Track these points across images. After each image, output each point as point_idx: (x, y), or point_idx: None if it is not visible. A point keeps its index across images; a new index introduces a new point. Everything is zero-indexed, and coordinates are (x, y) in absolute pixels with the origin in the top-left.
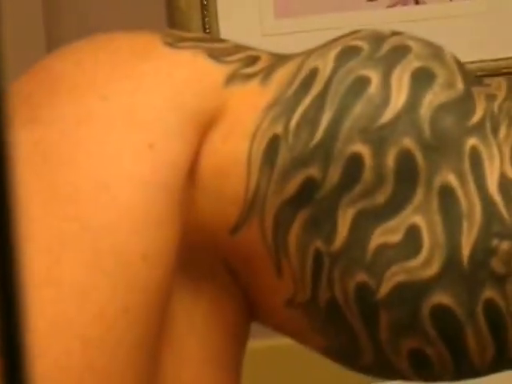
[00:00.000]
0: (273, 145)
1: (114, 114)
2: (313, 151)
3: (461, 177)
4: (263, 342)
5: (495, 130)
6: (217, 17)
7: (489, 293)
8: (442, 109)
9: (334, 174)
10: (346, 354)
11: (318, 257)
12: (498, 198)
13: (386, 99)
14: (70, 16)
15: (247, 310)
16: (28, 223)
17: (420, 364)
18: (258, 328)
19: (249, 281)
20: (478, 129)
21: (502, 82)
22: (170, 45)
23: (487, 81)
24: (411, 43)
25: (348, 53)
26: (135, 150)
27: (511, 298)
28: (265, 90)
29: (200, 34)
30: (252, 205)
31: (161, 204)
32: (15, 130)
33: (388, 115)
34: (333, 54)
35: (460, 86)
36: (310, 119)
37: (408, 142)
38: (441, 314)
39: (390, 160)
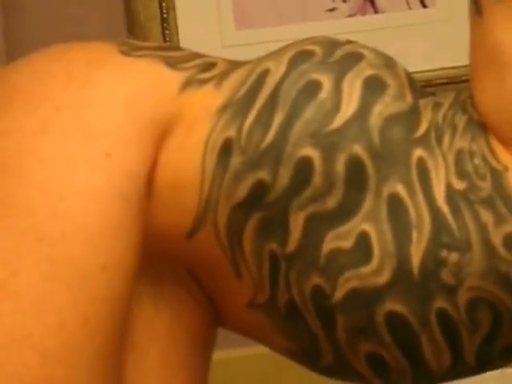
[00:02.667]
0: (226, 148)
1: (69, 125)
2: (263, 154)
3: (409, 187)
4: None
5: (439, 140)
6: (177, 29)
7: (440, 303)
8: (391, 119)
9: (284, 178)
10: (306, 355)
11: (273, 259)
12: (445, 208)
13: (336, 105)
14: (29, 30)
15: (212, 315)
16: None
17: (378, 367)
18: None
19: (210, 284)
20: (424, 140)
21: (451, 92)
22: (126, 53)
23: (440, 91)
24: (364, 51)
25: (301, 56)
26: (91, 160)
27: (462, 308)
28: (218, 93)
29: (157, 43)
30: (205, 210)
31: (118, 214)
32: None
33: (338, 121)
34: (286, 57)
35: (409, 98)
36: (262, 122)
37: (357, 149)
38: (395, 321)
39: (340, 165)
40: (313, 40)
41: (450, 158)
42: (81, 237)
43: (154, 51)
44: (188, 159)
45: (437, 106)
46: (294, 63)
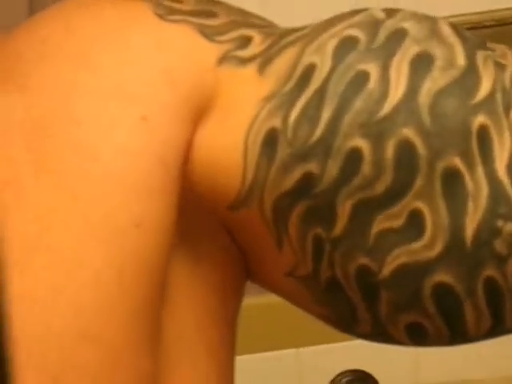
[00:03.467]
0: (271, 138)
1: (105, 86)
2: (312, 147)
3: (467, 158)
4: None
5: (507, 108)
6: None
7: (489, 272)
8: (442, 93)
9: (333, 169)
10: (343, 323)
11: (318, 242)
12: (505, 179)
13: (384, 93)
14: None
15: (243, 268)
16: (19, 193)
17: (417, 335)
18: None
19: (247, 248)
20: (487, 103)
21: (506, 50)
22: (161, 17)
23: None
24: (406, 25)
25: (345, 46)
26: (127, 122)
27: (510, 276)
28: (262, 81)
29: (190, 5)
30: (248, 195)
31: (153, 175)
32: (6, 96)
33: (387, 108)
34: (330, 48)
35: (461, 61)
36: (310, 116)
37: (407, 132)
38: (441, 292)
39: (389, 151)
40: (353, 21)
41: None
42: (116, 196)
43: (189, 16)
44: (229, 138)
45: (499, 65)
46: (339, 55)
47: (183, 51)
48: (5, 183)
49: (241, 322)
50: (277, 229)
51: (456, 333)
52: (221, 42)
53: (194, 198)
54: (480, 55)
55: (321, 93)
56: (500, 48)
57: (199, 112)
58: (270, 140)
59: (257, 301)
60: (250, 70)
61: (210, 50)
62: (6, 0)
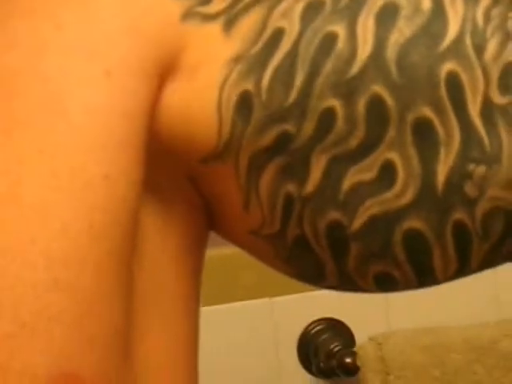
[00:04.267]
0: (244, 100)
1: (71, 43)
2: (288, 110)
3: (437, 106)
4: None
5: (480, 49)
6: None
7: (459, 215)
8: (408, 45)
9: (309, 128)
10: (308, 278)
11: (288, 200)
12: (478, 122)
13: (353, 52)
14: None
15: (208, 222)
16: None
17: (385, 284)
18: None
19: (213, 202)
20: (455, 48)
21: None
22: None
23: None
24: None
25: (311, 9)
26: (91, 77)
27: (479, 218)
28: (228, 40)
29: None
30: (225, 147)
31: (119, 129)
32: None
33: (355, 67)
34: (297, 12)
35: (426, 5)
36: (283, 80)
37: (376, 88)
38: (411, 238)
39: (361, 108)
40: None
41: (494, 72)
42: (83, 150)
43: None
44: (200, 100)
45: None
46: (306, 19)
47: (146, 7)
48: None
49: (214, 272)
50: (247, 186)
51: (424, 278)
52: None
53: (161, 150)
54: None
55: (291, 57)
56: None
57: (165, 67)
58: (244, 103)
59: (230, 251)
60: (215, 27)
61: (173, 6)
62: None
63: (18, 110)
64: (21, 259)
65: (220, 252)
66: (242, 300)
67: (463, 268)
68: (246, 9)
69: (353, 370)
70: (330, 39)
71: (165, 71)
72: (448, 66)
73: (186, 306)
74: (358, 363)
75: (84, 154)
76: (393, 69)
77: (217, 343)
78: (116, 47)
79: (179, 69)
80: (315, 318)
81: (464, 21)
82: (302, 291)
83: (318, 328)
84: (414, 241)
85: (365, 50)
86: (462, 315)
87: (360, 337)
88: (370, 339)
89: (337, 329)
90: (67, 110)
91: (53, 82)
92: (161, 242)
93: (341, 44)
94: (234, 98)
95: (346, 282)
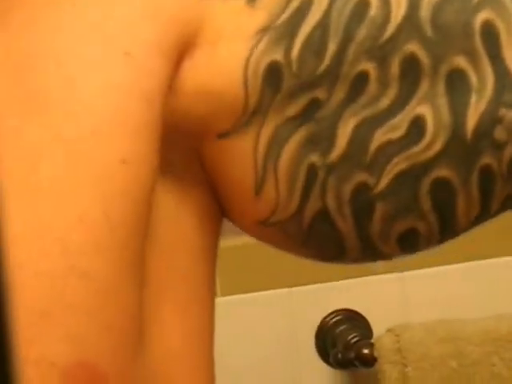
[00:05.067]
0: (273, 71)
1: (87, 24)
2: (320, 77)
3: (471, 55)
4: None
5: None
6: None
7: (486, 159)
8: (442, 1)
9: (340, 93)
10: (328, 257)
11: (311, 170)
12: None
13: (386, 16)
14: None
15: (220, 208)
16: (5, 133)
17: (408, 244)
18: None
19: (222, 190)
20: None
21: None
22: None
23: None
24: None
25: None
26: (109, 58)
27: (506, 160)
28: (253, 13)
29: None
30: (252, 116)
31: (138, 111)
32: None
33: (390, 30)
34: None
35: None
36: (314, 49)
37: (411, 47)
38: (438, 187)
39: (395, 67)
40: None
41: None
42: (99, 133)
43: None
44: (224, 71)
45: None
46: None
47: None
48: None
49: (233, 262)
50: (265, 164)
51: (446, 227)
52: None
53: (175, 128)
54: None
55: (322, 26)
56: None
57: (184, 45)
58: (273, 73)
59: (247, 240)
60: (239, 1)
61: None
62: None
63: (33, 94)
64: (37, 247)
65: (237, 242)
66: (260, 290)
67: (484, 212)
68: None
69: (370, 362)
70: (362, 7)
71: (184, 49)
72: (483, 16)
73: (200, 292)
74: (376, 354)
75: (100, 139)
76: (427, 27)
77: (235, 333)
78: (134, 28)
79: (199, 45)
80: (333, 308)
81: None
82: (320, 282)
83: (335, 319)
84: (440, 189)
85: (398, 13)
86: (479, 307)
87: (378, 328)
88: (388, 331)
89: (355, 320)
90: (83, 95)
91: (68, 65)
92: (174, 224)
93: (374, 10)
94: (263, 68)
95: (368, 252)
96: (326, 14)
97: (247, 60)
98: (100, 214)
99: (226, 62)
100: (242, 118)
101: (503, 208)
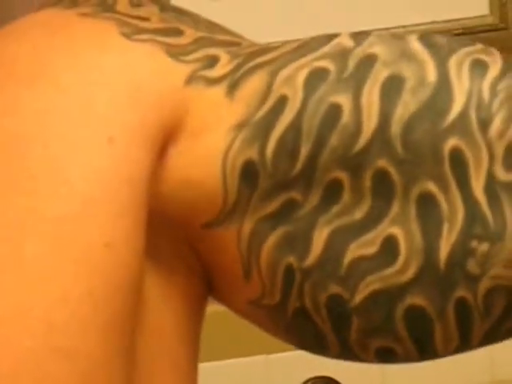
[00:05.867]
0: (249, 170)
1: (72, 107)
2: (293, 179)
3: (441, 182)
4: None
5: (485, 124)
6: None
7: (461, 292)
8: (412, 119)
9: (315, 197)
10: (310, 348)
11: (289, 272)
12: (482, 198)
13: (358, 126)
14: None
15: (208, 288)
16: None
17: (386, 357)
18: None
19: (213, 271)
20: (459, 124)
21: (491, 49)
22: (127, 36)
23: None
24: (376, 50)
25: (315, 78)
26: (94, 143)
27: (481, 296)
28: (232, 105)
29: (155, 23)
30: (229, 214)
31: (121, 196)
32: None
33: (362, 142)
34: (300, 80)
35: (432, 77)
36: (288, 150)
37: (382, 163)
38: (413, 315)
39: (367, 180)
40: (321, 52)
41: (499, 148)
42: (84, 217)
43: (155, 35)
44: (203, 167)
45: (478, 65)
46: (310, 87)
47: (150, 72)
48: None
49: (210, 328)
50: (248, 255)
51: (424, 353)
52: (187, 62)
53: (161, 214)
54: (453, 62)
55: (295, 128)
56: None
57: (168, 131)
58: (249, 172)
59: (225, 307)
60: (218, 91)
61: (177, 70)
62: None
63: (18, 175)
64: (21, 327)
65: (216, 308)
66: (237, 357)
67: (464, 344)
68: (250, 72)
69: None
70: (335, 111)
71: (168, 135)
72: (452, 142)
73: (187, 370)
74: None
75: (85, 222)
76: (398, 144)
77: None
78: (119, 113)
79: (182, 133)
80: (311, 375)
81: (469, 94)
82: (298, 348)
83: None
84: (415, 317)
85: (370, 125)
86: (456, 381)
87: None
88: None
89: None
90: (69, 177)
91: (54, 147)
92: (161, 307)
93: (346, 117)
94: (239, 166)
95: (348, 353)
96: (300, 115)
97: (225, 156)
98: (84, 295)
99: (206, 155)
100: (222, 211)
101: (486, 342)
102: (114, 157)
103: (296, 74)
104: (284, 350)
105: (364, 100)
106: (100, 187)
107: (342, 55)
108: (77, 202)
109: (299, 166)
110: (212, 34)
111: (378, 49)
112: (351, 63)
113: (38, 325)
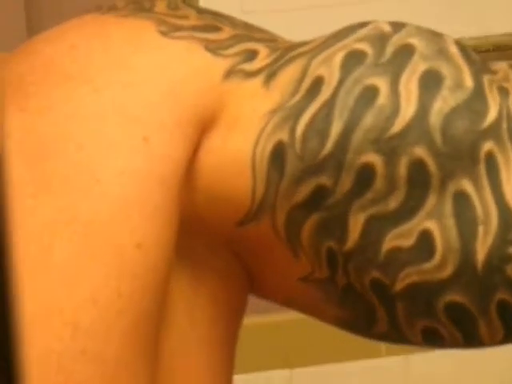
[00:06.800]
0: (279, 151)
1: (107, 108)
2: (323, 161)
3: (476, 182)
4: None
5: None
6: None
7: (502, 295)
8: (452, 114)
9: (346, 183)
10: (360, 323)
11: (331, 254)
12: None
13: (395, 109)
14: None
15: (248, 285)
16: (19, 213)
17: (432, 339)
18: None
19: (255, 260)
20: (494, 130)
21: (508, 72)
22: (165, 34)
23: (490, 65)
24: (414, 41)
25: (353, 59)
26: (128, 143)
27: None
28: (268, 93)
29: (193, 21)
30: (261, 206)
31: (156, 196)
32: (6, 117)
33: (399, 125)
34: (337, 60)
35: (469, 83)
36: (318, 129)
37: (419, 151)
38: (454, 309)
39: (402, 169)
40: (360, 35)
41: None
42: (116, 218)
43: (193, 32)
44: (235, 152)
45: (502, 89)
46: (347, 68)
47: (187, 69)
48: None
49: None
50: (290, 242)
51: (470, 342)
52: (226, 56)
53: (196, 215)
54: (485, 79)
55: (329, 105)
56: (502, 70)
57: (203, 128)
58: (278, 154)
59: (251, 321)
60: (256, 83)
61: (216, 65)
62: (4, 19)
63: (50, 176)
64: (48, 328)
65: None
66: (260, 370)
67: (509, 336)
68: (288, 62)
69: None
70: (371, 92)
71: (203, 131)
72: (488, 145)
73: (218, 372)
74: None
75: (117, 223)
76: (437, 135)
77: None
78: (155, 113)
79: (217, 126)
80: None
81: (501, 106)
82: (322, 363)
83: None
84: (457, 312)
85: (408, 110)
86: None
87: None
88: None
89: None
90: (102, 176)
91: (87, 147)
92: (190, 311)
93: (382, 99)
94: (269, 150)
95: (396, 332)
96: (334, 94)
97: (256, 143)
98: (112, 297)
99: (239, 146)
100: (251, 208)
101: None
102: (149, 157)
103: (333, 56)
104: (308, 365)
105: (402, 86)
106: (133, 188)
107: (380, 39)
108: (109, 202)
109: (329, 145)
110: (249, 32)
111: (416, 40)
112: (389, 49)
113: (65, 327)
